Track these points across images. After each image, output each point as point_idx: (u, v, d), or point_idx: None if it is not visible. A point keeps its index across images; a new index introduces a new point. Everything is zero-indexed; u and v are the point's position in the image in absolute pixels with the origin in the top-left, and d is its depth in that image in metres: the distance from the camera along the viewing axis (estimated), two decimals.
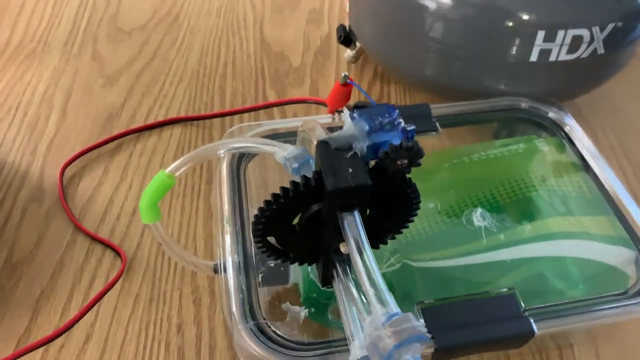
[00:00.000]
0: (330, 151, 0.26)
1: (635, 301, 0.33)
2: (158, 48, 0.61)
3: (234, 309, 0.31)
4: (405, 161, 0.26)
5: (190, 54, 0.60)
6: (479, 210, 0.37)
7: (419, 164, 0.26)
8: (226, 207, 0.36)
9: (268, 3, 0.67)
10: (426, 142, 0.41)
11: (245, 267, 0.34)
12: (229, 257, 0.34)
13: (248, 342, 0.30)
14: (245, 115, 0.53)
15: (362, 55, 0.59)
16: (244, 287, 0.32)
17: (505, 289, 0.33)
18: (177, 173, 0.35)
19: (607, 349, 0.37)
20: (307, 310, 0.33)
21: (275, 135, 0.41)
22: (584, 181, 0.39)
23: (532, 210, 0.38)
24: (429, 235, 0.36)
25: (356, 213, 0.26)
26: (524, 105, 0.44)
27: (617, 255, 0.36)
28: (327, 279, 0.31)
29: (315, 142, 0.28)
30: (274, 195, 0.27)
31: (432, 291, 0.34)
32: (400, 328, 0.23)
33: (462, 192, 0.38)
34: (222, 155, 0.39)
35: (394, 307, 0.24)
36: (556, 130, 0.43)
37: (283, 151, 0.33)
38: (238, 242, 0.35)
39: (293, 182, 0.27)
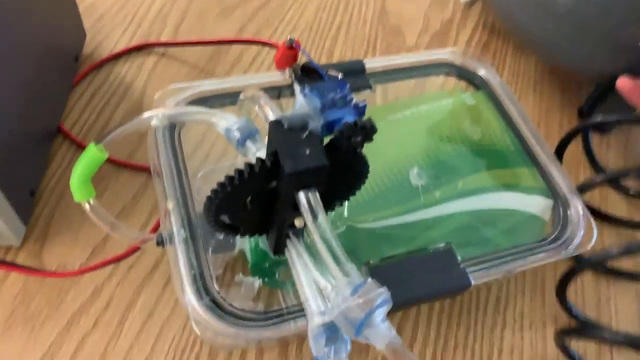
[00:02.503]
0: (284, 131, 0.26)
1: (554, 246, 0.37)
2: None
3: (187, 286, 0.31)
4: (359, 138, 0.26)
5: (308, 5, 0.58)
6: (416, 169, 0.39)
7: (372, 140, 0.27)
8: (166, 180, 0.35)
9: None
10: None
11: (194, 241, 0.33)
12: (176, 234, 0.33)
13: (206, 319, 0.30)
14: None
15: (476, 3, 0.61)
16: (194, 262, 0.32)
17: (442, 244, 0.35)
18: (108, 145, 0.33)
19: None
20: (260, 280, 0.34)
21: (209, 99, 0.40)
22: (507, 134, 0.42)
23: (463, 166, 0.40)
24: (371, 196, 0.37)
25: (314, 192, 0.26)
26: (455, 61, 0.45)
27: (537, 204, 0.39)
28: (279, 249, 0.32)
29: (267, 122, 0.27)
30: (228, 177, 0.26)
31: (376, 250, 0.36)
32: (369, 297, 0.25)
33: (399, 150, 0.40)
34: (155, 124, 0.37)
35: (356, 277, 0.26)
36: (482, 86, 0.45)
37: (224, 121, 0.33)
38: (182, 215, 0.34)
39: (248, 165, 0.26)
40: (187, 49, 0.53)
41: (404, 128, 0.42)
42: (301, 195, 0.26)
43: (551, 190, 0.39)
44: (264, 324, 0.31)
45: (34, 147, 0.42)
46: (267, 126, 0.31)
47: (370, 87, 0.42)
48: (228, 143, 0.33)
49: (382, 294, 0.25)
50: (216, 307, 0.31)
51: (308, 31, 0.56)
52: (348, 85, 0.27)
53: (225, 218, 0.30)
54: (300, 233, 0.30)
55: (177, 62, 0.52)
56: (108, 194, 0.43)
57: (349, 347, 0.28)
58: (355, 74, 0.42)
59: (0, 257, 0.39)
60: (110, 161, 0.45)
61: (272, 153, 0.26)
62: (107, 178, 0.44)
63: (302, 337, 0.38)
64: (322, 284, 0.27)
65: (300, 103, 0.27)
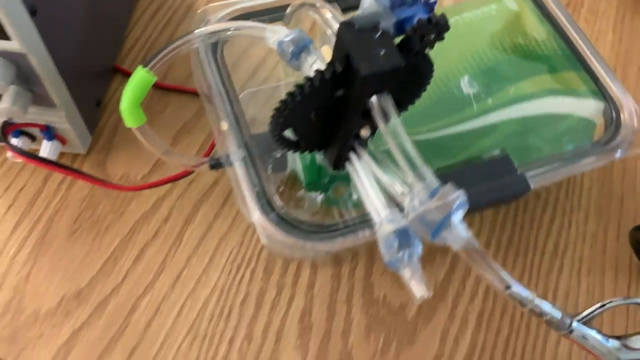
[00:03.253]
0: (355, 33, 0.24)
1: (607, 148, 0.36)
2: None
3: (252, 203, 0.31)
4: (432, 36, 0.25)
5: None
6: (467, 77, 0.37)
7: (443, 38, 0.25)
8: (216, 101, 0.34)
9: None
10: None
11: (252, 160, 0.32)
12: (234, 153, 0.32)
13: (276, 234, 0.30)
14: None
15: None
16: (255, 180, 0.31)
17: (497, 152, 0.35)
18: (156, 68, 0.32)
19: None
20: (322, 195, 0.33)
21: (248, 16, 0.38)
22: (554, 38, 0.40)
23: (512, 72, 0.38)
24: (422, 107, 0.36)
25: (386, 95, 0.25)
26: None
27: (587, 107, 0.38)
28: (339, 163, 0.31)
29: (328, 26, 0.26)
30: (298, 86, 0.25)
31: (431, 161, 0.35)
32: (447, 200, 0.24)
33: (447, 59, 0.38)
34: (199, 44, 0.35)
35: (433, 181, 0.25)
36: None
37: (275, 34, 0.31)
38: (237, 135, 0.33)
39: (318, 71, 0.25)
40: None
41: (450, 36, 0.39)
42: (374, 100, 0.25)
43: (602, 93, 0.38)
44: (331, 235, 0.31)
45: (102, 56, 0.43)
46: (322, 35, 0.29)
47: None
48: (280, 57, 0.31)
49: (459, 196, 0.25)
50: (284, 221, 0.30)
51: None
52: None
53: (288, 133, 0.29)
54: (364, 144, 0.29)
55: None
56: (170, 109, 0.43)
57: (420, 250, 0.27)
58: None
59: (67, 164, 0.39)
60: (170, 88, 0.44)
61: (344, 57, 0.24)
62: (168, 95, 0.43)
63: (354, 256, 0.38)
64: (397, 190, 0.27)
65: (368, 2, 0.25)
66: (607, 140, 0.36)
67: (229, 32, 0.33)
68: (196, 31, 0.32)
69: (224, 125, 0.33)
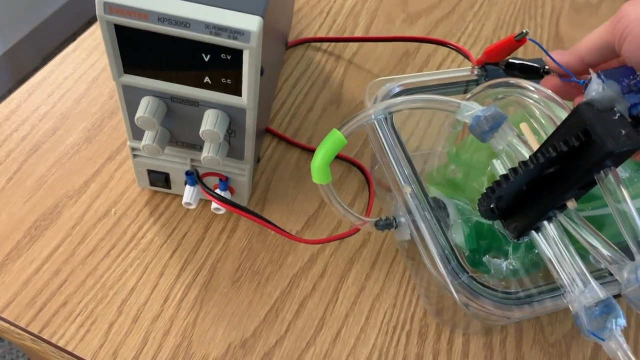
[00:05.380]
0: (595, 113, 0.26)
1: None
2: (457, 4, 0.61)
3: (441, 266, 0.31)
4: None
5: (486, 22, 0.59)
6: None
7: None
8: (396, 167, 0.35)
9: None
10: None
11: (438, 223, 0.33)
12: (420, 217, 0.33)
13: (471, 297, 0.30)
14: None
15: None
16: (443, 242, 0.32)
17: None
18: (348, 132, 0.34)
19: None
20: (507, 262, 0.34)
21: (410, 91, 0.40)
22: None
23: None
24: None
25: (613, 170, 0.26)
26: None
27: None
28: (526, 232, 0.32)
29: (539, 102, 0.28)
30: (523, 163, 0.27)
31: None
32: None
33: None
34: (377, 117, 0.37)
35: None
36: None
37: (470, 110, 0.33)
38: (421, 199, 0.34)
39: (552, 146, 0.26)
40: (379, 49, 0.54)
41: None
42: (607, 172, 0.26)
43: None
44: (522, 302, 0.31)
45: (266, 118, 0.45)
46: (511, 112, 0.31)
47: None
48: (470, 130, 0.33)
49: None
50: (476, 285, 0.31)
51: (487, 44, 0.57)
52: (637, 73, 0.27)
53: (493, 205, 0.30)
54: (559, 214, 0.30)
55: (371, 60, 0.53)
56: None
57: (624, 322, 0.27)
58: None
59: (227, 216, 0.41)
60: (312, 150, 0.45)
61: (582, 132, 0.26)
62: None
63: (503, 327, 0.38)
64: (603, 253, 0.27)
65: (601, 87, 0.27)
66: None
67: (417, 104, 0.35)
68: (386, 101, 0.34)
69: (407, 189, 0.34)
